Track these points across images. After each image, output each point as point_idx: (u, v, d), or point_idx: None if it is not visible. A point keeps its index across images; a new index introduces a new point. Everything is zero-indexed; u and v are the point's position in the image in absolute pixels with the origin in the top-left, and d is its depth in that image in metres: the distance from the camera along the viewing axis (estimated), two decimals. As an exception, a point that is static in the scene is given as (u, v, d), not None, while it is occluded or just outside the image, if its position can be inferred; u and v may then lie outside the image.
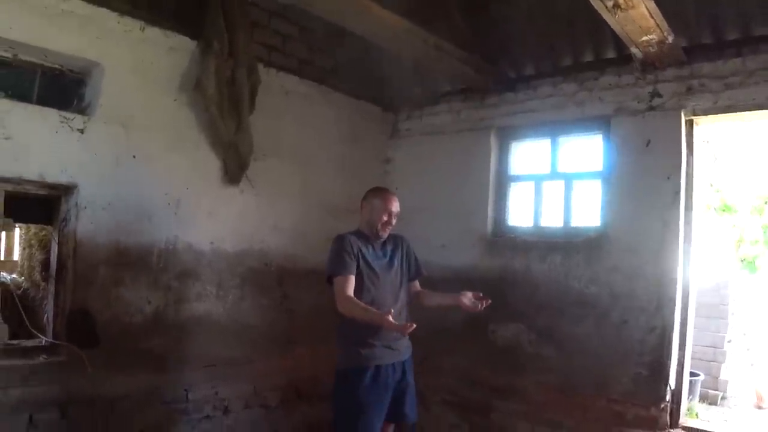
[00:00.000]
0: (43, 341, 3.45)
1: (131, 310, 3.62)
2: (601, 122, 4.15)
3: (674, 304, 3.76)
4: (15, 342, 3.41)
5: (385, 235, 3.38)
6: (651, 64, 3.91)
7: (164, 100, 3.75)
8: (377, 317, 2.96)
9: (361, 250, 3.25)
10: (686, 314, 3.84)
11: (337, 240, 3.29)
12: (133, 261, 3.62)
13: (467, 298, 3.35)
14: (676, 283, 3.77)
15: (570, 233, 4.28)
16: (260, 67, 4.17)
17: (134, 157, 3.60)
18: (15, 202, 3.44)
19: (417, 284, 3.62)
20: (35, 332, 3.51)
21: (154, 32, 3.67)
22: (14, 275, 4.09)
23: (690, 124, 3.89)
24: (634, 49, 3.72)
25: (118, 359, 3.52)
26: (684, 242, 3.83)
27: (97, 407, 3.40)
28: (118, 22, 3.51)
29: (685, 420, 3.87)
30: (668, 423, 3.75)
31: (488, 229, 4.60)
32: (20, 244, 4.47)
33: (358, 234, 3.38)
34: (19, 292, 3.82)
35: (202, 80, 3.80)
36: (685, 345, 3.84)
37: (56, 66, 3.46)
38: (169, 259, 3.79)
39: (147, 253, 3.68)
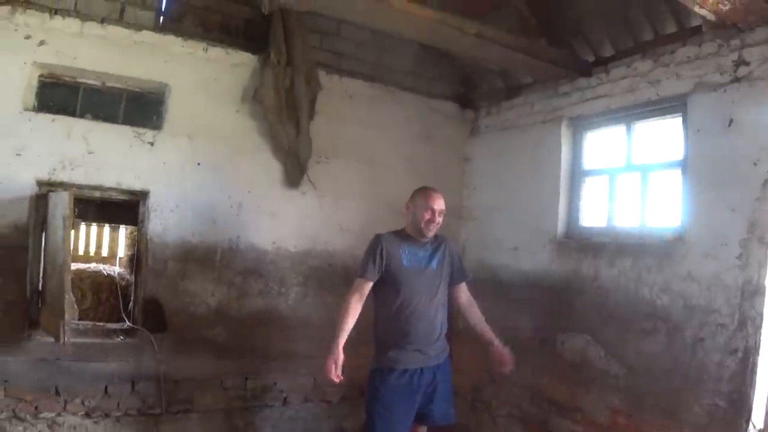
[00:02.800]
0: (125, 325, 4.10)
1: (196, 302, 4.06)
2: (679, 103, 3.51)
3: (761, 321, 3.01)
4: (101, 324, 4.11)
5: (430, 233, 3.31)
6: (733, 26, 3.24)
7: (227, 112, 4.16)
8: (334, 346, 3.17)
9: (391, 252, 3.26)
10: (780, 334, 3.08)
11: (372, 240, 3.35)
12: (198, 258, 4.07)
13: (500, 355, 3.43)
14: (764, 295, 3.02)
15: (644, 234, 3.67)
16: (323, 73, 4.39)
17: (199, 164, 4.07)
18: (107, 207, 4.18)
19: (464, 289, 3.54)
20: (124, 317, 4.18)
21: (216, 52, 4.12)
22: (122, 269, 4.89)
23: (786, 95, 3.12)
24: (701, 11, 3.12)
25: (183, 344, 4.00)
26: (779, 244, 3.09)
27: (162, 385, 3.90)
28: (182, 46, 4.02)
29: (774, 469, 3.08)
30: (748, 469, 3.03)
31: (559, 230, 4.15)
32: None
33: (400, 234, 3.39)
34: (123, 283, 4.56)
35: (259, 90, 4.15)
36: (777, 373, 3.07)
37: (136, 89, 4.07)
38: (233, 257, 4.17)
39: (211, 251, 4.11)
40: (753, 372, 3.02)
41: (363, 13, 3.57)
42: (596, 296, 3.81)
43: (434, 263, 3.34)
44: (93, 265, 4.94)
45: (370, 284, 3.28)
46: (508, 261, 4.47)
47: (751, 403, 3.01)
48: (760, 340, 3.01)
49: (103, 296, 4.48)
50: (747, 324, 3.06)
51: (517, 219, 4.47)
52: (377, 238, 3.32)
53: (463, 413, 4.69)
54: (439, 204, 3.31)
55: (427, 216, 3.26)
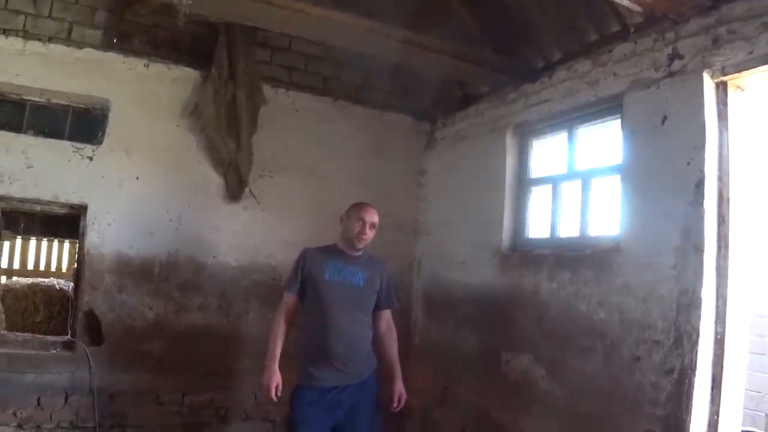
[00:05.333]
0: (65, 338, 3.88)
1: (133, 315, 3.83)
2: (617, 103, 3.11)
3: (697, 337, 2.54)
4: (40, 336, 3.91)
5: (360, 245, 3.10)
6: (667, 18, 2.84)
7: (166, 126, 3.96)
8: (268, 366, 2.98)
9: (314, 265, 3.10)
10: (721, 351, 2.58)
11: (298, 254, 3.21)
12: (135, 271, 3.84)
13: (394, 389, 3.17)
14: (699, 308, 2.57)
15: (583, 244, 3.24)
16: (268, 87, 4.17)
17: (137, 178, 3.87)
18: (52, 221, 4.02)
19: (387, 317, 3.29)
20: (69, 330, 3.97)
21: (157, 67, 3.95)
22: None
23: (723, 87, 2.67)
24: (623, 1, 2.75)
25: (118, 358, 3.75)
26: (718, 250, 2.63)
27: (96, 398, 3.64)
28: (123, 62, 3.86)
29: (720, 503, 2.56)
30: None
31: (504, 243, 3.73)
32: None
33: (330, 248, 3.20)
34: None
35: (199, 104, 3.95)
36: (719, 396, 2.58)
37: (81, 106, 3.91)
38: (171, 271, 3.93)
39: (149, 264, 3.88)
40: (689, 394, 2.55)
41: (280, 22, 3.31)
42: (537, 312, 3.39)
43: (360, 280, 3.11)
44: (48, 280, 4.81)
45: (294, 297, 3.14)
46: (458, 276, 4.08)
47: (688, 430, 2.54)
48: (696, 359, 2.55)
49: (55, 310, 4.32)
50: (683, 340, 2.61)
51: (467, 232, 4.08)
52: (302, 252, 3.19)
53: (413, 435, 4.30)
54: (371, 216, 3.10)
55: (358, 227, 3.06)
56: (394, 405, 3.14)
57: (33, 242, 5.55)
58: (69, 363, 3.67)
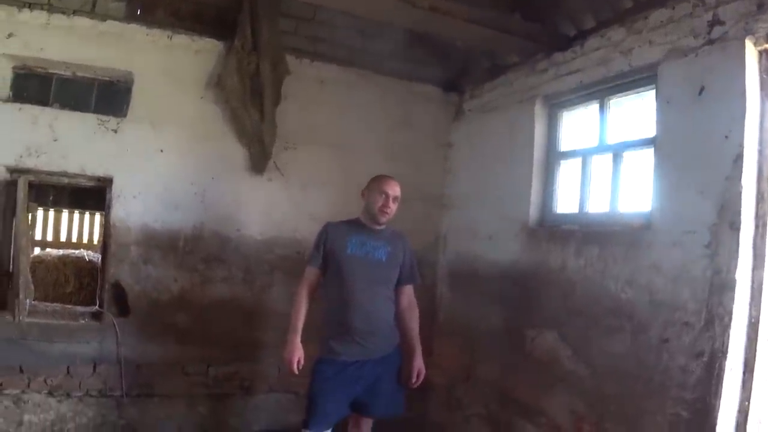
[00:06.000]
0: (93, 308, 3.99)
1: (159, 287, 3.90)
2: (652, 73, 2.96)
3: (729, 320, 2.45)
4: (69, 306, 4.02)
5: (383, 219, 3.09)
6: (706, -20, 2.69)
7: (191, 98, 3.96)
8: (290, 340, 3.00)
9: (337, 239, 3.10)
10: (755, 335, 2.48)
11: (321, 228, 3.22)
12: (161, 244, 3.90)
13: (413, 365, 3.16)
14: (733, 289, 2.46)
15: (612, 221, 3.14)
16: (292, 58, 4.12)
17: (162, 151, 3.89)
18: (80, 194, 4.09)
19: (408, 293, 3.28)
20: (98, 300, 4.07)
21: (181, 39, 3.93)
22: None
23: (766, 55, 2.52)
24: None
25: (145, 329, 3.84)
26: (755, 229, 2.50)
27: (123, 368, 3.75)
28: (147, 35, 3.86)
29: (750, 495, 2.49)
30: (714, 494, 2.46)
31: (531, 218, 3.64)
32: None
33: (352, 222, 3.20)
34: (104, 268, 4.47)
35: (222, 76, 3.93)
36: (751, 381, 2.48)
37: (106, 78, 3.94)
38: (196, 244, 3.97)
39: (174, 237, 3.93)
40: (719, 378, 2.47)
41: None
42: (563, 289, 3.32)
43: (383, 255, 3.11)
44: (78, 251, 4.93)
45: (317, 271, 3.15)
46: (483, 251, 4.02)
47: (716, 415, 2.46)
48: (727, 342, 2.47)
49: (85, 281, 4.44)
50: (714, 323, 2.52)
51: (494, 206, 4.00)
52: (324, 226, 3.20)
53: (438, 411, 4.33)
54: (393, 189, 3.09)
55: (381, 201, 3.05)
56: (413, 381, 3.15)
57: (65, 214, 5.71)
58: (97, 333, 3.78)
